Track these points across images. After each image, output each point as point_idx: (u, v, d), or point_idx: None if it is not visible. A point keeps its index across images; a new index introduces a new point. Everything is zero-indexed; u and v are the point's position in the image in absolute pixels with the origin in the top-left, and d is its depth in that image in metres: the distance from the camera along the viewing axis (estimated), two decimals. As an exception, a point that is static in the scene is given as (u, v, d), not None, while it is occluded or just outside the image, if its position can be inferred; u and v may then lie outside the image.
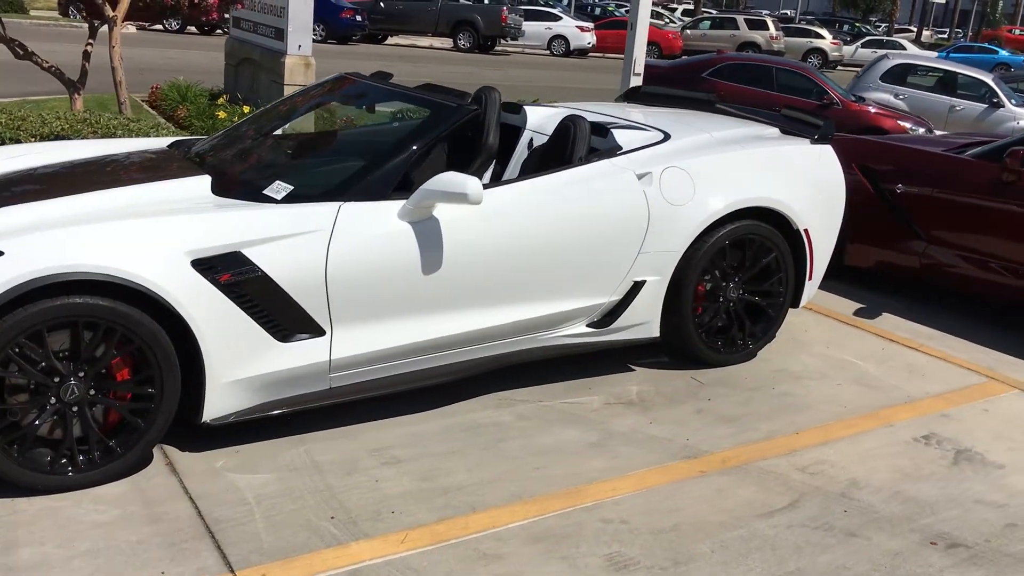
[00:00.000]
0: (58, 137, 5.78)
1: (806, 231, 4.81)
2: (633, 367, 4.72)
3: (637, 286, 4.42)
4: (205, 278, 3.45)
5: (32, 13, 26.49)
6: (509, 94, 17.12)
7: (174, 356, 3.43)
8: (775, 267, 4.81)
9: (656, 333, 4.56)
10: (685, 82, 14.31)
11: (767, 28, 35.19)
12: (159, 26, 26.07)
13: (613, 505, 3.47)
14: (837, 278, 6.31)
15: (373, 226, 3.79)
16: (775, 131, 5.22)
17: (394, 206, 3.85)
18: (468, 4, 29.96)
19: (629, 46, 8.50)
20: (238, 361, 3.58)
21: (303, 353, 3.72)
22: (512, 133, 5.33)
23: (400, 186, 3.93)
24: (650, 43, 33.72)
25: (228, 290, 3.50)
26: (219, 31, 27.16)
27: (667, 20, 43.03)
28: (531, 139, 5.22)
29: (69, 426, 3.34)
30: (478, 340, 4.12)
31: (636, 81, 8.57)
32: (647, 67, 15.05)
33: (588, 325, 4.43)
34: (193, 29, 25.30)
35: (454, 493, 3.49)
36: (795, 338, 5.26)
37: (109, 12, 7.04)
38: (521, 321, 4.19)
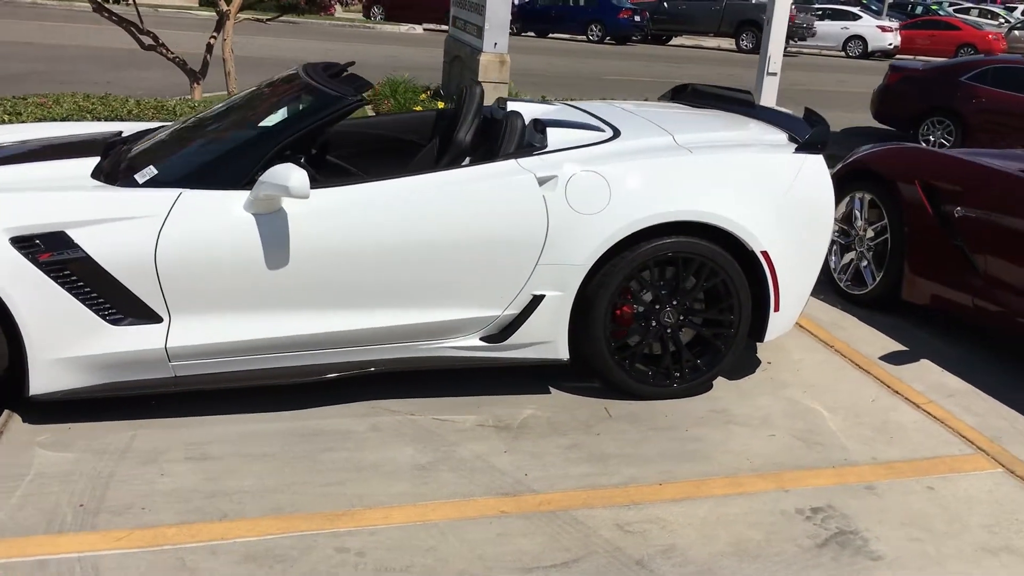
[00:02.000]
0: (120, 119, 6.18)
1: (765, 254, 4.13)
2: (552, 390, 4.30)
3: (536, 300, 4.01)
4: (24, 256, 3.53)
5: (336, 15, 28.70)
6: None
7: (-9, 328, 3.54)
8: (724, 293, 4.18)
9: (563, 355, 4.12)
10: (940, 86, 12.92)
11: (1117, 28, 30.90)
12: (445, 26, 27.39)
13: (368, 535, 3.18)
14: (898, 315, 5.41)
15: (213, 215, 3.72)
16: (781, 138, 4.52)
17: (241, 196, 3.75)
18: (754, 3, 28.77)
19: (764, 43, 7.76)
20: (63, 340, 3.64)
21: (137, 338, 3.72)
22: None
23: None
24: (965, 44, 30.85)
25: (48, 269, 3.57)
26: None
27: (1002, 20, 38.92)
28: (501, 137, 4.89)
29: None
30: (343, 343, 3.93)
31: (771, 81, 7.80)
32: (900, 69, 13.75)
33: (482, 339, 4.08)
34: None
35: (221, 497, 3.35)
36: (776, 377, 4.55)
37: (223, 6, 7.42)
38: (393, 327, 3.94)
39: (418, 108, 11.06)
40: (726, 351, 4.26)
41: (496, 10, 11.48)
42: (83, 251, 3.58)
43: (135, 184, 3.86)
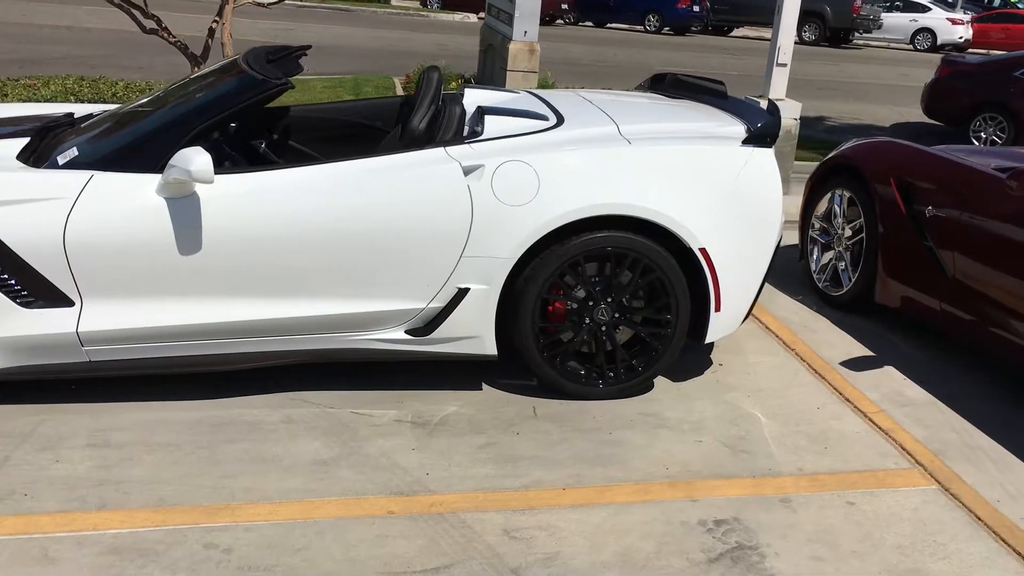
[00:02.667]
0: (104, 102, 6.18)
1: (703, 251, 3.94)
2: (485, 386, 4.17)
3: (461, 293, 3.88)
4: (-68, 237, 3.51)
5: (393, 3, 28.78)
6: (823, 92, 15.71)
7: (-100, 309, 3.54)
8: (660, 291, 4.00)
9: (491, 350, 3.99)
10: (993, 81, 12.45)
11: None
12: (560, 20, 27.16)
13: (243, 531, 3.09)
14: (874, 318, 5.16)
15: (124, 198, 3.66)
16: (739, 131, 4.29)
17: (154, 180, 3.69)
18: (818, -6, 28.09)
19: (775, 33, 7.49)
20: (-26, 323, 3.62)
21: (49, 322, 3.69)
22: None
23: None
24: (1039, 38, 29.66)
25: (-43, 251, 3.54)
26: (558, 21, 27.85)
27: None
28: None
29: None
30: (262, 332, 3.85)
31: (780, 72, 7.52)
32: (952, 63, 13.25)
33: (407, 331, 3.96)
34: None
35: (109, 486, 3.30)
36: (723, 380, 4.36)
37: (221, -10, 7.42)
38: (312, 317, 3.85)
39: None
40: (663, 351, 4.08)
41: (526, -1, 11.30)
42: (-10, 233, 3.55)
43: (56, 166, 3.83)
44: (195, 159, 3.50)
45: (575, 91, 5.09)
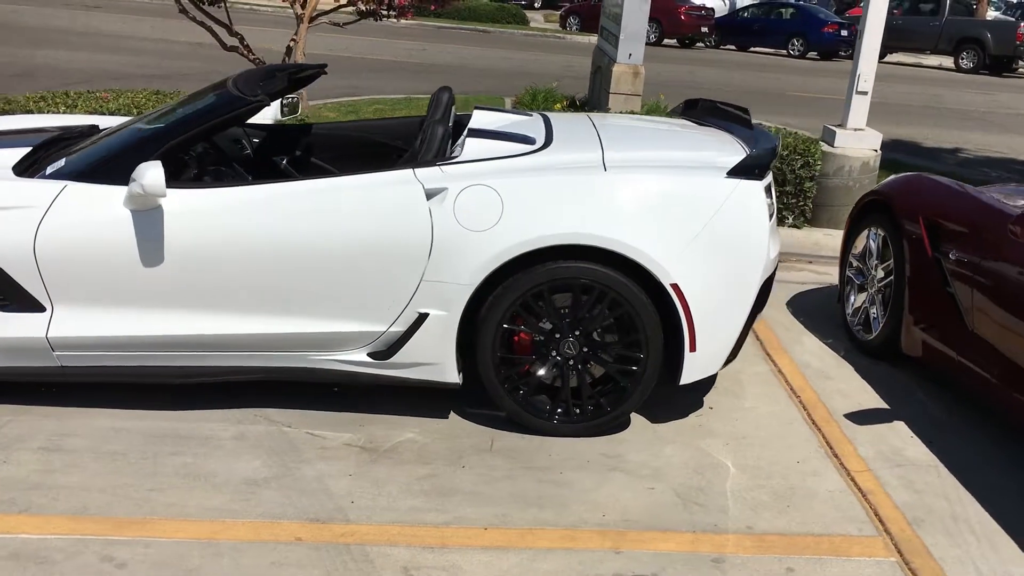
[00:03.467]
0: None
1: (676, 287, 3.73)
2: (452, 414, 4.07)
3: (421, 318, 3.80)
4: (-89, 242, 3.69)
5: (532, 25, 28.97)
6: (968, 123, 15.02)
7: None
8: (630, 326, 3.81)
9: (452, 378, 3.88)
10: None
11: None
12: (701, 43, 26.90)
13: (143, 546, 3.10)
14: (906, 367, 4.76)
15: (93, 209, 3.76)
16: (732, 161, 4.02)
17: (123, 192, 3.76)
18: (978, 20, 26.60)
19: (855, 58, 7.09)
20: (-52, 325, 3.77)
21: (19, 326, 3.82)
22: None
23: (174, 175, 3.96)
24: None
25: (-66, 256, 3.70)
26: (699, 44, 27.47)
27: None
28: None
29: None
30: (225, 347, 3.88)
31: (860, 100, 7.11)
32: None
33: (369, 355, 3.91)
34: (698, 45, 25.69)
35: (40, 491, 3.37)
36: (706, 424, 4.10)
37: (297, 10, 7.58)
38: (274, 334, 3.85)
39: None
40: (632, 390, 3.87)
41: (631, 20, 11.15)
42: (-34, 238, 3.68)
43: (44, 176, 3.95)
44: (148, 172, 3.55)
45: (589, 115, 4.93)
